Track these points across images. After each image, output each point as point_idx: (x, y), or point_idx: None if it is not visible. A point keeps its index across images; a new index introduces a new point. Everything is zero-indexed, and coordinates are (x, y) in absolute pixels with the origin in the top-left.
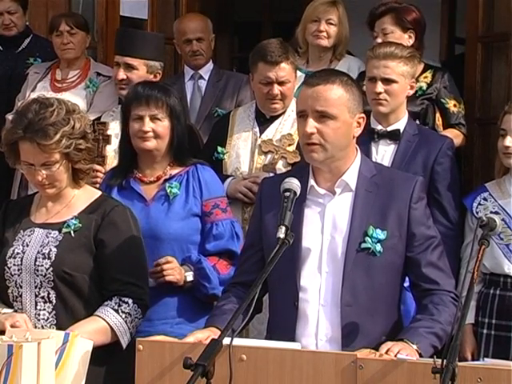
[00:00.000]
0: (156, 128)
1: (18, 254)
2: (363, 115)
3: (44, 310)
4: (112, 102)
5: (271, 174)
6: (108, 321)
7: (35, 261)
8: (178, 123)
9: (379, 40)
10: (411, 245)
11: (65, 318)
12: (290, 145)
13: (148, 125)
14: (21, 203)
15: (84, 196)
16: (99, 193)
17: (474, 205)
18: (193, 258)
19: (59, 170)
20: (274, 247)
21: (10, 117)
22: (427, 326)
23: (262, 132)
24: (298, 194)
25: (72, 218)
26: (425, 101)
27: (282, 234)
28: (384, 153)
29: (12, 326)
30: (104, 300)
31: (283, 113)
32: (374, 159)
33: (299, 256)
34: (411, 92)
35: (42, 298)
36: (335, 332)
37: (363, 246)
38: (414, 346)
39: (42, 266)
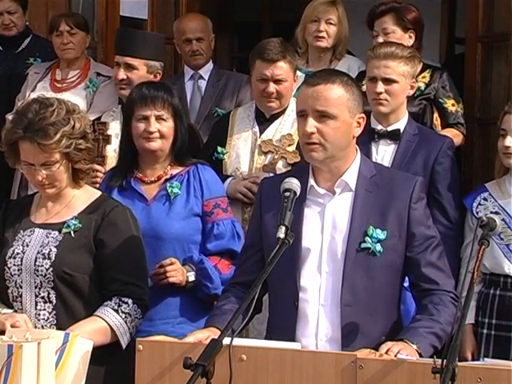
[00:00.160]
0: (161, 128)
1: (17, 254)
2: (363, 115)
3: (44, 310)
4: (112, 102)
5: (271, 174)
6: (108, 321)
7: (35, 261)
8: (181, 123)
9: (380, 39)
10: (411, 245)
11: (65, 318)
12: (289, 145)
13: (154, 125)
14: (21, 203)
15: (84, 196)
16: (99, 193)
17: (474, 205)
18: (194, 258)
19: (59, 170)
20: (273, 247)
21: (10, 117)
22: (427, 326)
23: (261, 132)
24: (298, 193)
25: (72, 219)
26: (423, 101)
27: (281, 233)
28: (384, 153)
29: (12, 326)
30: (104, 300)
31: (283, 113)
32: (374, 159)
33: (299, 256)
34: (411, 92)
35: (42, 298)
36: (335, 332)
37: (363, 245)
38: (414, 346)
39: (42, 266)
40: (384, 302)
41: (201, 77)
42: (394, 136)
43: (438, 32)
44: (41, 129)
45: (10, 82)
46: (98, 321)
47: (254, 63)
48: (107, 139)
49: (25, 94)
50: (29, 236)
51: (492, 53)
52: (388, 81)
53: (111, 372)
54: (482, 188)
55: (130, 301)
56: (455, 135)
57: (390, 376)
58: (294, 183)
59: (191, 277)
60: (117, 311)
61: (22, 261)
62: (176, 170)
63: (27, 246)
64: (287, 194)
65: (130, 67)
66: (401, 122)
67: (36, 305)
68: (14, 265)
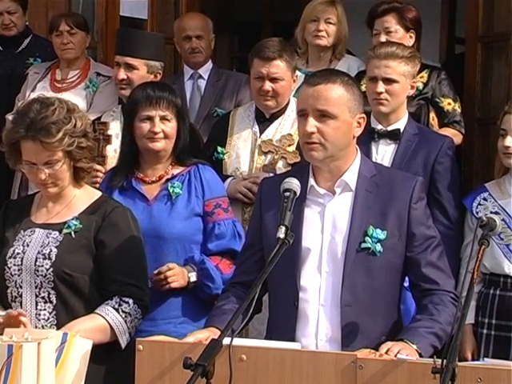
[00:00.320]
0: (165, 129)
1: (18, 254)
2: (364, 115)
3: (44, 310)
4: (112, 102)
5: (271, 175)
6: (107, 319)
7: (35, 261)
8: (183, 123)
9: (382, 38)
10: (411, 245)
11: (65, 318)
12: (289, 145)
13: (159, 126)
14: (21, 203)
15: (84, 196)
16: (99, 193)
17: (474, 205)
18: (196, 258)
19: (62, 169)
20: (273, 247)
21: (10, 117)
22: (427, 326)
23: (261, 132)
24: (298, 194)
25: (72, 219)
26: (421, 101)
27: (281, 234)
28: (384, 152)
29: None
30: (104, 300)
31: (283, 113)
32: (374, 159)
33: (299, 256)
34: (412, 92)
35: (43, 298)
36: (335, 332)
37: (363, 245)
38: (414, 346)
39: (43, 266)
40: (384, 302)
41: (200, 76)
42: (393, 136)
43: (438, 32)
44: (43, 127)
45: (10, 82)
46: (97, 318)
47: (252, 62)
48: (108, 139)
49: (25, 93)
50: (29, 236)
51: (492, 53)
52: (388, 81)
53: (111, 371)
54: (482, 188)
55: (130, 301)
56: (453, 134)
57: (390, 376)
58: (293, 183)
59: (193, 277)
60: (117, 310)
61: (22, 261)
62: (177, 170)
63: (27, 245)
64: (287, 194)
65: (130, 67)
66: (401, 122)
67: (36, 305)
68: (15, 265)
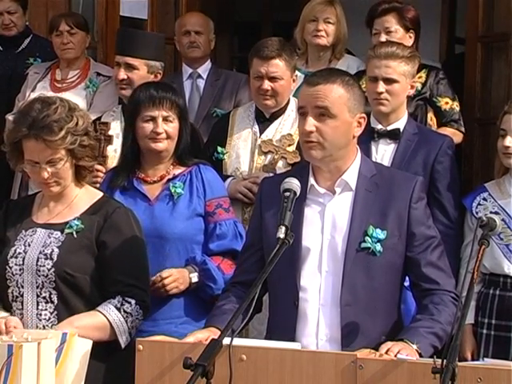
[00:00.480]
0: (167, 129)
1: (19, 253)
2: (364, 115)
3: (45, 310)
4: (112, 102)
5: (271, 174)
6: (108, 317)
7: (37, 261)
8: (185, 124)
9: (382, 38)
10: (411, 245)
11: (66, 319)
12: (289, 145)
13: (161, 126)
14: (22, 203)
15: (86, 197)
16: (101, 194)
17: (474, 205)
18: (197, 258)
19: (64, 167)
20: (274, 247)
21: (10, 117)
22: (427, 326)
23: (261, 132)
24: (298, 193)
25: (74, 219)
26: (419, 101)
27: (281, 233)
28: (384, 152)
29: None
30: (106, 299)
31: (283, 113)
32: (373, 158)
33: (299, 256)
34: (412, 92)
35: (44, 298)
36: (335, 332)
37: (363, 245)
38: (414, 346)
39: (44, 266)
40: (384, 302)
41: (199, 76)
42: (393, 135)
43: (438, 32)
44: (45, 126)
45: (10, 82)
46: (98, 315)
47: (251, 61)
48: (109, 139)
49: (25, 93)
50: (31, 236)
51: (492, 53)
52: (389, 80)
53: (111, 370)
54: (482, 188)
55: (133, 301)
56: (452, 133)
57: (390, 376)
58: (293, 183)
59: (194, 278)
60: (119, 309)
61: (23, 260)
62: (178, 170)
63: (29, 245)
64: (287, 193)
65: (130, 67)
66: (400, 122)
67: (37, 305)
68: (16, 264)
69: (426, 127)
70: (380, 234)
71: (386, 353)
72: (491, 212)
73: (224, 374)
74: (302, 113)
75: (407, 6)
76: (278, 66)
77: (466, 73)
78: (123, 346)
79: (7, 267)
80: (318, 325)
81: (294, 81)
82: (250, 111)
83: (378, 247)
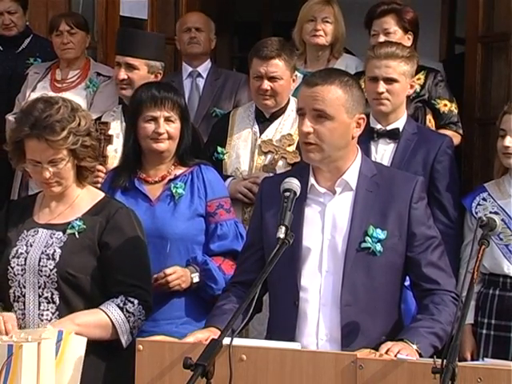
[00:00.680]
0: (169, 129)
1: (21, 254)
2: (363, 116)
3: (47, 310)
4: (112, 102)
5: (271, 174)
6: (110, 316)
7: (39, 261)
8: (186, 124)
9: (380, 39)
10: (411, 245)
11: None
12: (289, 145)
13: (163, 126)
14: (23, 203)
15: (87, 197)
16: (102, 194)
17: (473, 205)
18: (199, 258)
19: (66, 168)
20: (274, 247)
21: (10, 117)
22: (427, 326)
23: (261, 132)
24: (298, 193)
25: (76, 219)
26: (418, 104)
27: (281, 233)
28: (383, 152)
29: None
30: (109, 298)
31: (283, 113)
32: (373, 158)
33: (299, 255)
34: (411, 91)
35: (46, 298)
36: (335, 332)
37: (363, 245)
38: (414, 346)
39: (46, 266)
40: (384, 302)
41: (199, 75)
42: (393, 135)
43: (438, 32)
44: (48, 125)
45: (10, 82)
46: (100, 314)
47: (251, 61)
48: (109, 139)
49: (25, 94)
50: (32, 236)
51: (492, 53)
52: (389, 80)
53: (111, 369)
54: (481, 188)
55: (135, 301)
56: (451, 135)
57: (390, 376)
58: (293, 183)
59: (195, 278)
60: (122, 309)
61: (25, 261)
62: (180, 171)
63: (31, 246)
64: (287, 193)
65: (130, 67)
66: (400, 121)
67: (39, 305)
68: (18, 265)
69: (425, 127)
70: (380, 234)
71: (386, 353)
72: (491, 212)
73: (224, 373)
74: (301, 114)
75: (406, 7)
76: (278, 65)
77: (466, 73)
78: (125, 345)
79: (9, 267)
80: (318, 325)
81: (293, 81)
82: (250, 111)
83: (379, 247)
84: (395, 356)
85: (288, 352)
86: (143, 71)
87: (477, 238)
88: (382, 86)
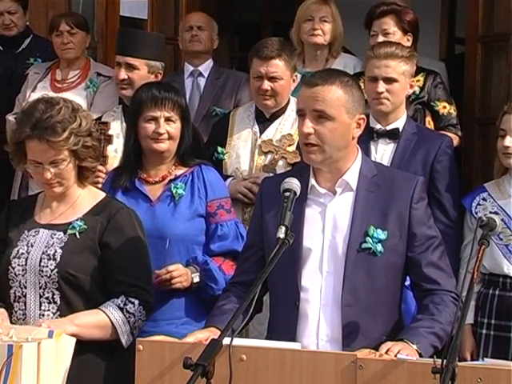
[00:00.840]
0: (169, 130)
1: (22, 254)
2: (363, 116)
3: (48, 310)
4: (112, 102)
5: (271, 175)
6: (110, 316)
7: (40, 261)
8: (187, 124)
9: (379, 40)
10: (412, 245)
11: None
12: (290, 145)
13: (163, 127)
14: (24, 203)
15: (88, 197)
16: (103, 194)
17: (473, 205)
18: (199, 259)
19: (67, 168)
20: (274, 247)
21: (10, 117)
22: (427, 326)
23: (261, 132)
24: (298, 193)
25: (77, 220)
26: (418, 106)
27: (281, 234)
28: (383, 152)
29: None
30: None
31: (283, 113)
32: (373, 158)
33: (300, 256)
34: (411, 91)
35: (47, 298)
36: (336, 332)
37: (364, 246)
38: (414, 346)
39: (47, 266)
40: (385, 302)
41: (200, 74)
42: (392, 135)
43: (438, 32)
44: (49, 126)
45: (11, 82)
46: (99, 314)
47: (251, 62)
48: (109, 139)
49: (25, 94)
50: (33, 236)
51: (492, 53)
52: (389, 80)
53: (112, 369)
54: (481, 188)
55: (136, 302)
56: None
57: (390, 376)
58: (293, 183)
59: (196, 278)
60: (122, 309)
61: (26, 261)
62: (180, 171)
63: (32, 246)
64: (287, 194)
65: (130, 67)
66: (399, 121)
67: (40, 305)
68: (19, 265)
69: (424, 127)
70: (381, 234)
71: (386, 353)
72: (491, 212)
73: (224, 373)
74: (301, 115)
75: (406, 8)
76: (278, 66)
77: (466, 73)
78: (125, 345)
79: (10, 268)
80: (318, 325)
81: (293, 81)
82: (250, 111)
83: (379, 248)
84: (395, 356)
85: (288, 352)
86: (143, 71)
87: (477, 238)
88: (381, 86)
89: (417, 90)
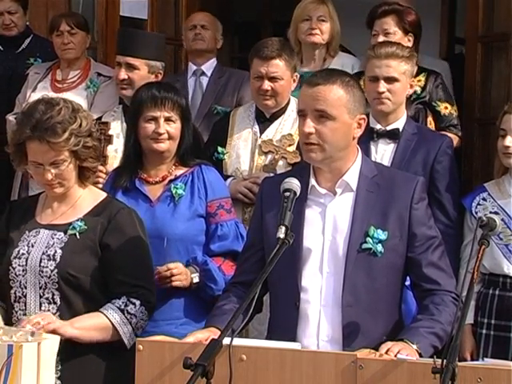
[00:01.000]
0: (169, 130)
1: (23, 254)
2: (364, 116)
3: (48, 310)
4: (113, 102)
5: (271, 175)
6: (111, 319)
7: (40, 262)
8: (187, 124)
9: (380, 40)
10: (412, 245)
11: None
12: (290, 145)
13: (163, 127)
14: (25, 204)
15: (89, 197)
16: (104, 194)
17: (473, 205)
18: (199, 259)
19: (68, 169)
20: (274, 247)
21: (10, 117)
22: (427, 326)
23: (262, 132)
24: (298, 193)
25: (77, 220)
26: (419, 105)
27: (281, 234)
28: (384, 152)
29: None
30: (111, 299)
31: (283, 113)
32: (373, 158)
33: (300, 256)
34: (411, 91)
35: (47, 298)
36: (336, 332)
37: (364, 246)
38: (414, 346)
39: (47, 267)
40: (385, 303)
41: (203, 73)
42: (393, 135)
43: (438, 32)
44: (49, 127)
45: (11, 82)
46: (100, 317)
47: (251, 62)
48: (109, 139)
49: (25, 94)
50: (34, 237)
51: (492, 53)
52: (390, 79)
53: (112, 369)
54: (481, 188)
55: (137, 302)
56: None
57: (390, 376)
58: (293, 183)
59: (195, 278)
60: (123, 311)
61: (26, 261)
62: (180, 171)
63: (32, 246)
64: (287, 194)
65: (131, 67)
66: (400, 122)
67: (40, 306)
68: (19, 265)
69: (425, 127)
70: (381, 234)
71: (386, 353)
72: (491, 212)
73: (224, 373)
74: (302, 114)
75: (408, 9)
76: (278, 66)
77: (466, 73)
78: (128, 346)
79: (10, 268)
80: (319, 325)
81: (294, 81)
82: (251, 111)
83: (379, 248)
84: (395, 356)
85: (288, 352)
86: (143, 71)
87: (477, 238)
88: (382, 86)
89: (418, 89)
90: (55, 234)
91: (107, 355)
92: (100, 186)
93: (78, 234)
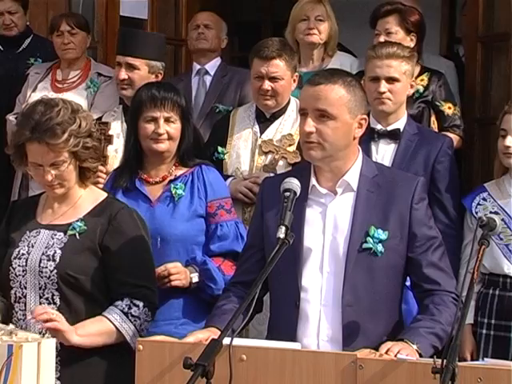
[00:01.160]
0: (169, 130)
1: (23, 254)
2: (365, 116)
3: None
4: (113, 102)
5: (271, 174)
6: (115, 324)
7: (40, 262)
8: (187, 125)
9: (381, 39)
10: (412, 245)
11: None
12: (290, 145)
13: (163, 127)
14: (26, 204)
15: (90, 197)
16: (105, 194)
17: (473, 205)
18: (198, 259)
19: (68, 170)
20: (274, 247)
21: (10, 117)
22: (428, 327)
23: (262, 132)
24: (298, 193)
25: (77, 220)
26: (421, 104)
27: (281, 234)
28: (384, 152)
29: None
30: (114, 300)
31: (283, 113)
32: (374, 159)
33: (300, 256)
34: (411, 91)
35: (47, 299)
36: (336, 332)
37: (364, 246)
38: (414, 346)
39: (47, 267)
40: (385, 303)
41: (206, 72)
42: (393, 135)
43: (438, 32)
44: (48, 129)
45: (11, 82)
46: (103, 322)
47: (252, 62)
48: (109, 139)
49: (25, 94)
50: (34, 237)
51: (492, 53)
52: (391, 79)
53: (112, 369)
54: (481, 188)
55: (141, 304)
56: (454, 138)
57: (390, 376)
58: (293, 183)
59: (195, 278)
60: (126, 314)
61: (26, 262)
62: (180, 171)
63: (32, 246)
64: (287, 193)
65: (131, 67)
66: (400, 122)
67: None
68: (19, 265)
69: (425, 127)
70: (381, 234)
71: (386, 353)
72: (491, 212)
73: (224, 373)
74: (303, 114)
75: (411, 8)
76: (279, 66)
77: (466, 73)
78: (134, 348)
79: (11, 268)
80: (319, 325)
81: (294, 81)
82: (251, 111)
83: (380, 248)
84: (395, 356)
85: (288, 352)
86: (144, 71)
87: (477, 238)
88: (383, 86)
89: (420, 88)
90: (55, 235)
91: (107, 355)
92: (100, 186)
93: (77, 234)
